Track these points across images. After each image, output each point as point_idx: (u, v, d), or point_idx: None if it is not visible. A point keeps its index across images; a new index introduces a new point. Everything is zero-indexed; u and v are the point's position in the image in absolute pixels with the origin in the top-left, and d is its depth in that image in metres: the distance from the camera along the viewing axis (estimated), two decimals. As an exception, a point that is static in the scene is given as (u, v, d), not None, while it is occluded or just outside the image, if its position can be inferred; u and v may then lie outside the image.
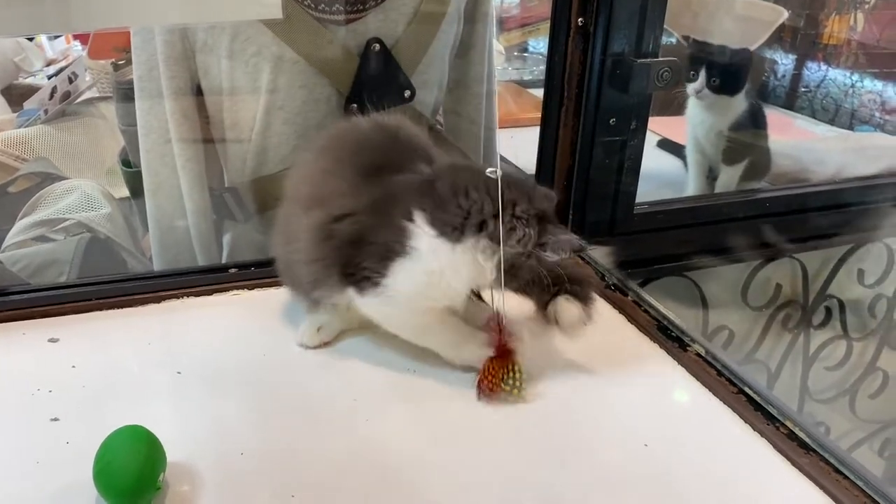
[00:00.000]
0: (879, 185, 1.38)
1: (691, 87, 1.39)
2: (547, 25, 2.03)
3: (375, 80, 1.01)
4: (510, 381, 0.77)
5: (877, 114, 2.19)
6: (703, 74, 1.37)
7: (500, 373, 0.78)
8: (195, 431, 0.73)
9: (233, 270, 0.99)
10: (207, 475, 0.68)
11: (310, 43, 0.96)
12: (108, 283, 0.95)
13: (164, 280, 0.97)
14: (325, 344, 0.86)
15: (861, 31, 2.27)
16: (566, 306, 0.79)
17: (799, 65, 2.33)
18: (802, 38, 2.30)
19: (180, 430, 0.73)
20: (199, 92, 1.03)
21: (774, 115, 1.58)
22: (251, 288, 0.97)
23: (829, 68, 2.28)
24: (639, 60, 1.01)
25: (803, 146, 1.65)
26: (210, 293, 0.96)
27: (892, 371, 1.51)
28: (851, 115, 2.22)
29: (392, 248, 0.72)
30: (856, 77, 2.25)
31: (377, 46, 0.98)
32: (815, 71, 2.31)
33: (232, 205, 1.09)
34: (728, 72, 1.40)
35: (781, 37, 2.27)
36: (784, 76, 2.34)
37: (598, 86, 1.03)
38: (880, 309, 1.45)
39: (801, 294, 1.36)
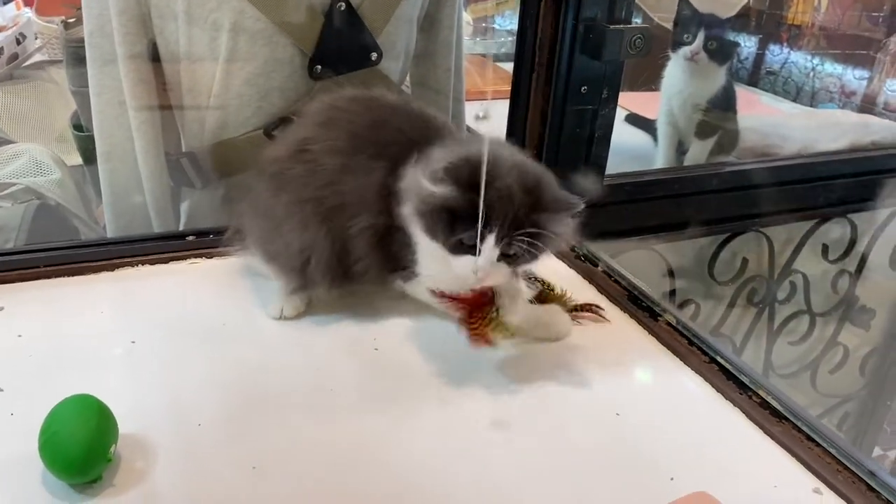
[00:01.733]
0: (844, 161, 1.38)
1: (685, 50, 1.37)
2: (515, -2, 2.01)
3: (341, 40, 0.97)
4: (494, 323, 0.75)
5: (837, 96, 2.22)
6: (700, 36, 1.35)
7: (481, 316, 0.75)
8: (150, 403, 0.70)
9: (190, 238, 0.95)
10: (162, 447, 0.64)
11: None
12: (58, 250, 0.91)
13: (118, 247, 0.93)
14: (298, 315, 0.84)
15: (825, 12, 2.28)
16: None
17: (762, 45, 2.34)
18: (767, 18, 2.31)
19: (134, 401, 0.69)
20: (154, 50, 0.98)
21: (741, 92, 1.58)
22: (210, 256, 0.93)
23: (791, 51, 2.30)
24: (612, 27, 0.99)
25: (770, 121, 1.66)
26: (166, 261, 0.92)
27: (852, 346, 1.54)
28: (812, 97, 2.24)
29: (411, 241, 0.73)
30: (817, 60, 2.26)
31: (342, 5, 0.94)
32: (777, 54, 2.32)
33: (189, 170, 1.04)
34: (725, 36, 1.39)
35: (748, 16, 2.28)
36: (747, 58, 2.35)
37: (569, 52, 1.01)
38: (843, 284, 1.46)
39: (767, 269, 1.36)
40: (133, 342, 0.78)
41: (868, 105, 2.13)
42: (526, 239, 0.65)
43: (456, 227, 0.66)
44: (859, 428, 1.66)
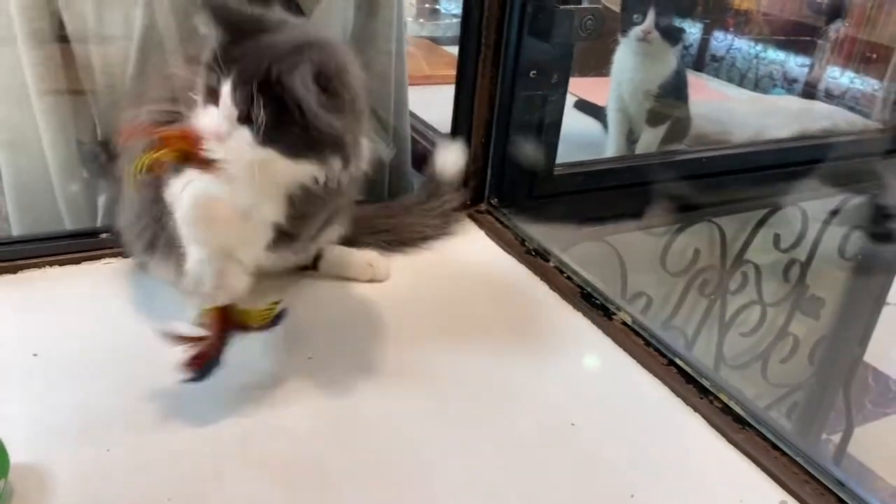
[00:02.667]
0: (795, 148, 1.36)
1: (637, 31, 1.33)
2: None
3: (269, 18, 0.88)
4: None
5: (780, 83, 2.22)
6: (651, 15, 1.32)
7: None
8: (51, 425, 0.62)
9: (104, 235, 0.86)
10: (65, 478, 0.57)
11: (192, -28, 0.83)
12: (-51, 250, 0.81)
13: (22, 246, 0.84)
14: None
15: (767, -2, 2.28)
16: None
17: (707, 31, 2.32)
18: (714, 4, 2.29)
19: (33, 424, 0.61)
20: (61, 28, 0.88)
21: (690, 77, 1.55)
22: (126, 256, 0.84)
23: (736, 38, 2.29)
24: (562, 7, 0.93)
25: (721, 107, 1.63)
26: (78, 262, 0.84)
27: (801, 335, 1.53)
28: (756, 83, 2.24)
29: None
30: (760, 47, 2.26)
31: (271, -22, 0.86)
32: (721, 40, 2.31)
33: (105, 160, 0.95)
34: (677, 11, 1.37)
35: (694, 8, 2.26)
36: (692, 45, 2.33)
37: (518, 33, 0.95)
38: (794, 274, 1.45)
39: (719, 259, 1.34)
40: (35, 355, 0.69)
41: (810, 91, 2.13)
42: (271, 103, 0.54)
43: (209, 68, 0.56)
44: (808, 416, 1.66)
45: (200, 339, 0.64)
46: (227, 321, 0.65)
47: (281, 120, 0.55)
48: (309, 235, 0.72)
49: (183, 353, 0.63)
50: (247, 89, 0.54)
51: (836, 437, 1.81)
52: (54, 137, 0.90)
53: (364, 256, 0.87)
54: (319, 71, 0.54)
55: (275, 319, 0.67)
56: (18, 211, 0.93)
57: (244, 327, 0.66)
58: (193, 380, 0.63)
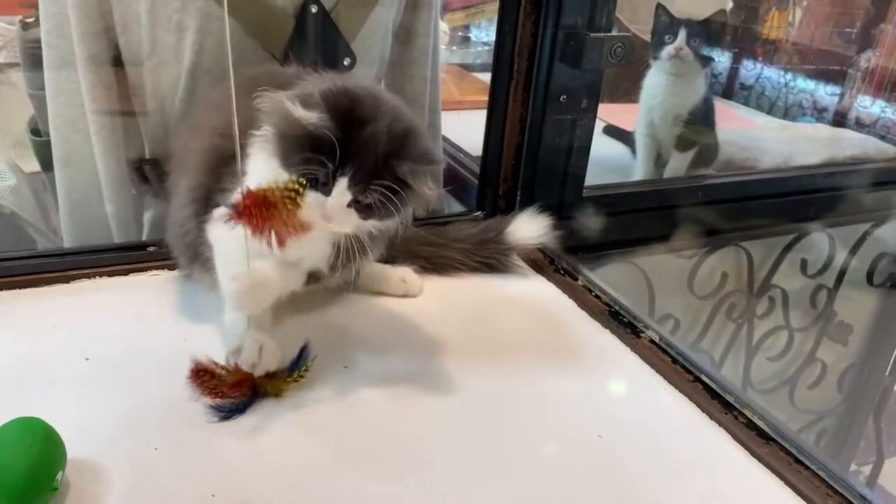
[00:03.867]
0: (822, 175, 1.37)
1: (669, 49, 1.37)
2: (490, 7, 1.99)
3: (312, 44, 0.93)
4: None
5: (809, 112, 2.22)
6: (682, 34, 1.35)
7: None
8: (103, 425, 0.65)
9: (151, 249, 0.90)
10: (116, 473, 0.60)
11: (240, -1, 0.88)
12: (9, 260, 0.86)
13: (75, 258, 0.88)
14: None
15: (798, 27, 2.29)
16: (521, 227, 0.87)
17: (737, 60, 2.34)
18: (742, 33, 2.31)
19: (86, 423, 0.64)
20: (117, 52, 0.93)
21: (718, 105, 1.57)
22: (171, 268, 0.88)
23: (765, 66, 2.30)
24: (592, 34, 0.96)
25: (749, 135, 1.65)
26: (126, 273, 0.88)
27: (829, 362, 1.52)
28: (785, 112, 2.24)
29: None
30: (789, 76, 2.27)
31: (315, 8, 0.91)
32: (750, 69, 2.32)
33: (153, 178, 0.99)
34: (708, 29, 1.39)
35: (723, 30, 2.28)
36: (721, 73, 2.35)
37: (549, 60, 0.99)
38: (821, 300, 1.45)
39: (746, 283, 1.35)
40: (87, 359, 0.73)
41: (840, 120, 2.13)
42: (383, 190, 0.61)
43: (312, 161, 0.60)
44: (836, 444, 1.64)
45: (231, 386, 0.67)
46: (257, 389, 0.68)
47: (388, 199, 0.61)
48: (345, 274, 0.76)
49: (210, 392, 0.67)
50: (362, 184, 0.61)
51: (867, 469, 1.79)
52: (106, 155, 0.95)
53: (398, 273, 0.90)
54: (420, 155, 0.62)
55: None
56: (71, 225, 0.98)
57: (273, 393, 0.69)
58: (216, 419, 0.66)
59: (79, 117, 0.93)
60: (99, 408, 0.67)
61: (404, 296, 0.89)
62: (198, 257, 0.77)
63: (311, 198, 0.62)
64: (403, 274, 0.90)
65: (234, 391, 0.67)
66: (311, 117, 0.59)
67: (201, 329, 0.78)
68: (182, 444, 0.63)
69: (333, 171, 0.61)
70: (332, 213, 0.62)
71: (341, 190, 0.61)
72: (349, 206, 0.62)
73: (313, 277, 0.75)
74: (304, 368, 0.69)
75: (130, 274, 0.88)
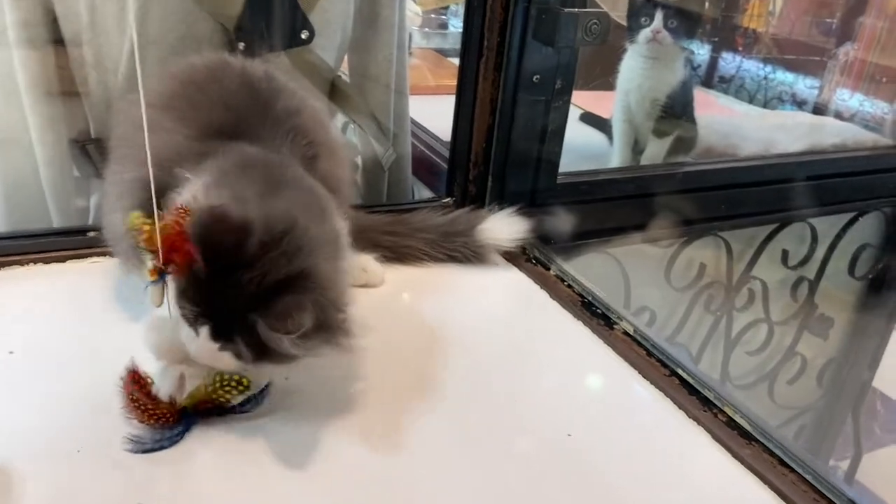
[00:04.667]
0: (804, 163, 1.33)
1: (646, 32, 1.32)
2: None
3: (267, 15, 0.87)
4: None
5: (787, 104, 2.19)
6: (658, 16, 1.31)
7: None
8: (20, 425, 0.59)
9: (92, 234, 0.84)
10: (32, 479, 0.54)
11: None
12: (-71, 245, 0.79)
13: (6, 242, 0.81)
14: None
15: (778, 16, 2.26)
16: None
17: (715, 50, 2.30)
18: (723, 22, 2.27)
19: (4, 423, 0.58)
20: (53, 21, 0.86)
21: (698, 94, 1.53)
22: (114, 255, 0.82)
23: (744, 59, 2.27)
24: (566, 10, 0.91)
25: (729, 122, 1.61)
26: (63, 259, 0.81)
27: (810, 356, 1.49)
28: (765, 104, 2.21)
29: None
30: (769, 68, 2.24)
31: (269, -26, 0.85)
32: (729, 61, 2.29)
33: (98, 159, 0.93)
34: (683, 13, 1.35)
35: (700, 16, 2.24)
36: (699, 66, 2.32)
37: (521, 37, 0.93)
38: (802, 292, 1.41)
39: (725, 274, 1.30)
40: (11, 352, 0.66)
41: (819, 113, 2.10)
42: (250, 343, 0.54)
43: (185, 295, 0.54)
44: (815, 440, 1.61)
45: (156, 414, 0.58)
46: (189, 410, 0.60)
47: (263, 349, 0.54)
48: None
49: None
50: (224, 335, 0.54)
51: (845, 464, 1.76)
52: (43, 134, 0.88)
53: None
54: (281, 314, 0.51)
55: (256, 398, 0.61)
56: (7, 208, 0.91)
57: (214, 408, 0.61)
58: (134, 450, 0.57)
59: (12, 92, 0.86)
60: (17, 407, 0.61)
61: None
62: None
63: (185, 333, 0.56)
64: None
65: (158, 420, 0.58)
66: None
67: (140, 320, 0.72)
68: (108, 447, 0.57)
69: (196, 315, 0.54)
70: (198, 355, 0.56)
71: (205, 335, 0.54)
72: (221, 349, 0.55)
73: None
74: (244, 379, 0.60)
75: (68, 261, 0.81)
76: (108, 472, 0.55)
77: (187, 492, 0.55)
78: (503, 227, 0.90)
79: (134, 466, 0.56)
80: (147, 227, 0.54)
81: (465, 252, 0.90)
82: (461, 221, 0.91)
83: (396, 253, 0.88)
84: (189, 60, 0.72)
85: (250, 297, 0.53)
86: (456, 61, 1.02)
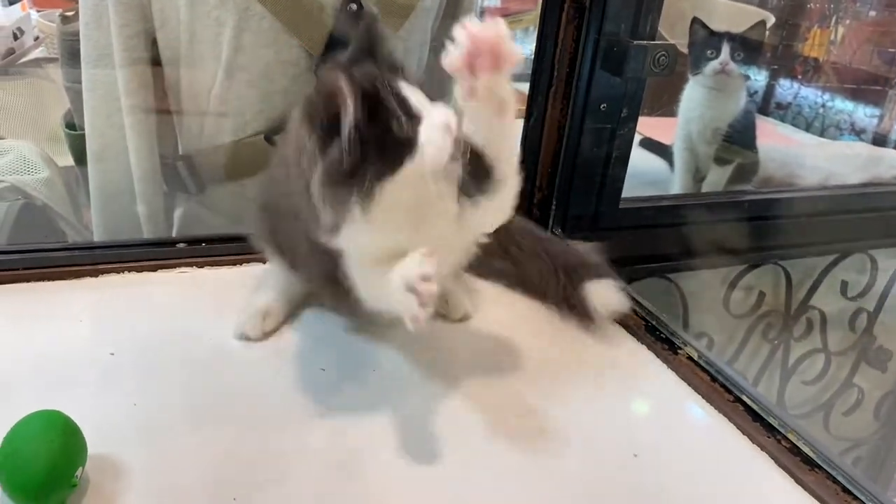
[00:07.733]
0: (866, 194, 1.33)
1: (714, 64, 1.34)
2: (529, 17, 1.97)
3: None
4: None
5: (846, 133, 2.17)
6: (726, 48, 1.33)
7: None
8: (125, 421, 0.64)
9: (181, 245, 0.89)
10: (136, 471, 0.58)
11: (279, -4, 0.87)
12: (38, 252, 0.85)
13: (103, 252, 0.87)
14: (268, 334, 0.76)
15: (839, 45, 2.25)
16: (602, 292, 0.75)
17: (773, 77, 2.30)
18: (783, 50, 2.27)
19: (108, 419, 0.63)
20: (154, 47, 0.93)
21: (758, 121, 1.53)
22: (200, 266, 0.87)
23: (801, 87, 2.26)
24: (635, 42, 0.94)
25: (790, 151, 1.61)
26: (154, 269, 0.86)
27: (867, 388, 1.47)
28: (822, 132, 2.20)
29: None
30: (827, 96, 2.22)
31: (354, 6, 0.90)
32: (786, 88, 2.28)
33: (185, 175, 0.99)
34: (749, 43, 1.36)
35: (762, 46, 2.24)
36: (756, 92, 2.31)
37: (590, 67, 0.96)
38: (860, 323, 1.40)
39: (784, 303, 1.31)
40: (112, 354, 0.72)
41: (879, 143, 2.08)
42: None
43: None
44: (871, 474, 1.59)
45: None
46: None
47: None
48: None
49: None
50: None
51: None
52: (140, 150, 0.95)
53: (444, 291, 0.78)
54: None
55: None
56: (103, 219, 0.98)
57: None
58: None
59: (114, 112, 0.93)
60: (121, 404, 0.65)
61: (443, 316, 0.81)
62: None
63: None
64: (448, 292, 0.79)
65: None
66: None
67: (227, 328, 0.77)
68: (203, 445, 0.62)
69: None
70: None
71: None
72: None
73: None
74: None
75: (159, 270, 0.87)
76: (206, 467, 0.60)
77: (274, 486, 0.58)
78: (608, 293, 0.83)
79: (229, 461, 0.60)
80: None
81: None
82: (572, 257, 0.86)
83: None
84: None
85: None
86: (520, 86, 1.05)
